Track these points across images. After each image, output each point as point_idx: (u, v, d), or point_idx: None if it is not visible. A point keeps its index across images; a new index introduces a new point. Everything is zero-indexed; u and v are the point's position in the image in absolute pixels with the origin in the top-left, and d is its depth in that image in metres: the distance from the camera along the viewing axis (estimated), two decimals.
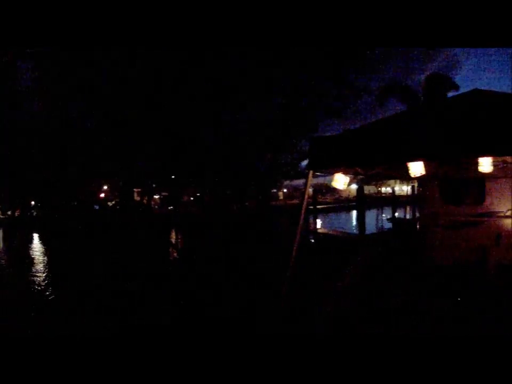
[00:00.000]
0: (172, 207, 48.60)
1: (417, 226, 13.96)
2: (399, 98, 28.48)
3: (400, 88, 28.94)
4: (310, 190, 31.82)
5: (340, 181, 5.53)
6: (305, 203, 5.58)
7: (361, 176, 11.60)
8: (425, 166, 5.07)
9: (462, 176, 10.25)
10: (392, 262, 10.17)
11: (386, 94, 29.05)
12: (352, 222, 39.35)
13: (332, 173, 5.75)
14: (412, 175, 4.80)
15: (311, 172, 5.43)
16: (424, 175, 4.82)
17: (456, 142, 4.22)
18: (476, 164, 8.56)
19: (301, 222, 5.57)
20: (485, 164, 4.77)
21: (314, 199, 29.02)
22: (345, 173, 6.09)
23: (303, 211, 5.55)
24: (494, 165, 8.67)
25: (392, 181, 45.74)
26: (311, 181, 5.58)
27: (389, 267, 9.67)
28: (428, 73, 31.38)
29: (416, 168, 4.63)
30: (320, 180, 71.51)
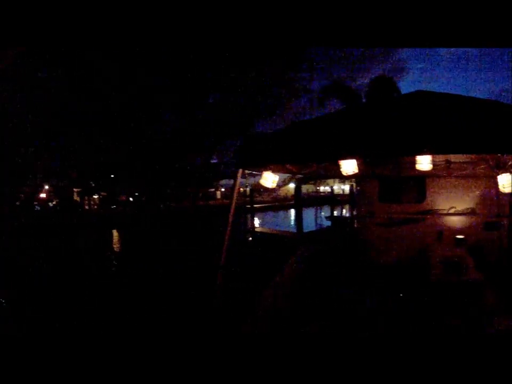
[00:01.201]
0: (110, 207, 47.61)
1: (355, 224, 14.17)
2: (341, 99, 28.62)
3: (341, 88, 29.09)
4: (247, 189, 31.95)
5: (269, 179, 5.41)
6: (234, 202, 5.49)
7: (299, 176, 11.62)
8: (360, 164, 5.03)
9: (403, 174, 10.42)
10: (330, 259, 10.21)
11: (327, 94, 29.17)
12: (290, 221, 39.67)
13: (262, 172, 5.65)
14: (344, 173, 4.72)
15: (240, 171, 5.32)
16: (357, 173, 4.77)
17: (391, 140, 4.18)
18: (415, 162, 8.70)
19: (231, 221, 5.48)
20: (423, 162, 4.74)
21: (251, 198, 28.96)
22: (275, 171, 6.01)
23: (232, 210, 5.47)
24: (437, 164, 8.82)
25: (331, 180, 46.32)
26: (240, 180, 5.47)
27: (326, 264, 9.69)
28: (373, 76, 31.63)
29: (349, 167, 4.54)
30: (258, 179, 71.18)
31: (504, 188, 5.91)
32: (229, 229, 5.47)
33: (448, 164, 8.28)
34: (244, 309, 6.81)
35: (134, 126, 29.96)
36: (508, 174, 5.86)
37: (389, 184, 11.30)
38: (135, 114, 29.15)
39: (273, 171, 5.61)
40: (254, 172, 6.40)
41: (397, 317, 6.72)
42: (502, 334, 5.87)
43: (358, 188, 12.41)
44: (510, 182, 5.82)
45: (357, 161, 4.56)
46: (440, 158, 8.02)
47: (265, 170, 5.40)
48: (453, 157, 7.89)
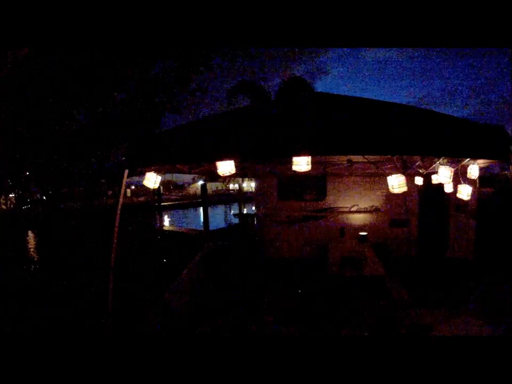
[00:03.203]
0: (22, 206, 45.09)
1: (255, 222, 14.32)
2: (250, 98, 28.44)
3: (251, 87, 28.96)
4: (160, 188, 31.49)
5: (151, 180, 5.34)
6: (120, 202, 5.33)
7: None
8: (238, 164, 5.04)
9: (303, 173, 10.55)
10: (231, 257, 10.24)
11: (236, 93, 28.95)
12: (199, 218, 39.51)
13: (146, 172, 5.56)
14: (221, 174, 4.67)
15: (126, 171, 5.21)
16: (233, 174, 4.76)
17: (267, 141, 4.19)
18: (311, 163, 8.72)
19: (117, 221, 5.34)
20: (301, 163, 4.70)
21: (159, 196, 28.62)
22: (164, 170, 5.97)
23: (118, 211, 5.32)
24: (338, 164, 8.95)
25: (240, 178, 46.64)
26: (126, 180, 5.27)
27: (226, 262, 9.70)
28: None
29: (225, 168, 4.53)
30: (168, 177, 71.15)
31: (393, 188, 6.00)
32: (116, 229, 5.33)
33: (349, 164, 8.48)
34: (142, 310, 6.68)
35: (41, 122, 28.27)
36: (399, 175, 5.96)
37: (288, 182, 11.51)
38: (41, 111, 27.52)
39: (161, 171, 5.57)
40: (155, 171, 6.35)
41: (297, 313, 6.80)
42: (411, 327, 6.06)
43: (257, 186, 12.49)
44: (402, 182, 5.91)
45: (235, 161, 4.55)
46: (342, 157, 8.18)
47: (147, 171, 5.33)
48: (355, 158, 8.08)
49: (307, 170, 4.75)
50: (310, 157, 4.68)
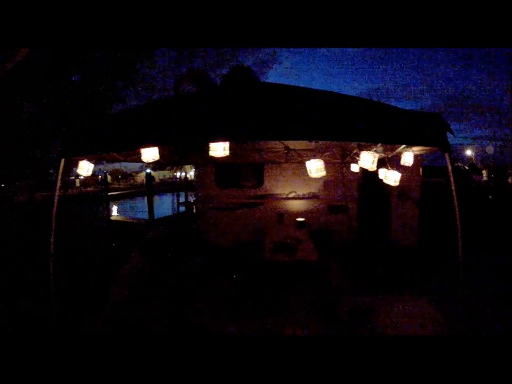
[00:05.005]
0: None
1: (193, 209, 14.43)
2: (196, 86, 28.16)
3: (196, 75, 28.67)
4: (102, 176, 31.21)
5: (84, 168, 5.47)
6: (57, 193, 5.40)
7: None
8: (172, 151, 5.19)
9: (240, 161, 10.70)
10: (173, 244, 10.42)
11: (180, 83, 28.65)
12: (146, 208, 39.13)
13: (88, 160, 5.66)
14: (145, 160, 4.87)
15: (62, 160, 5.24)
16: (158, 160, 4.91)
17: (186, 128, 4.33)
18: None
19: (55, 212, 5.42)
20: (218, 149, 4.74)
21: (106, 185, 28.30)
22: (99, 159, 6.12)
23: (55, 201, 5.39)
24: (276, 151, 9.12)
25: (188, 166, 46.28)
26: (62, 169, 5.29)
27: (169, 250, 9.88)
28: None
29: (148, 154, 4.72)
30: (116, 166, 69.90)
31: (311, 173, 6.20)
32: (54, 220, 5.42)
33: (286, 151, 8.73)
34: (88, 304, 6.78)
35: None
36: (318, 159, 6.16)
37: (226, 169, 11.73)
38: None
39: (95, 159, 5.73)
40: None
41: (234, 302, 6.99)
42: (350, 311, 6.31)
43: (196, 173, 12.65)
44: (320, 167, 6.14)
45: (159, 148, 4.77)
46: (279, 144, 8.41)
47: (80, 160, 5.49)
48: (292, 145, 8.36)
49: (224, 155, 4.81)
50: (227, 142, 4.76)
